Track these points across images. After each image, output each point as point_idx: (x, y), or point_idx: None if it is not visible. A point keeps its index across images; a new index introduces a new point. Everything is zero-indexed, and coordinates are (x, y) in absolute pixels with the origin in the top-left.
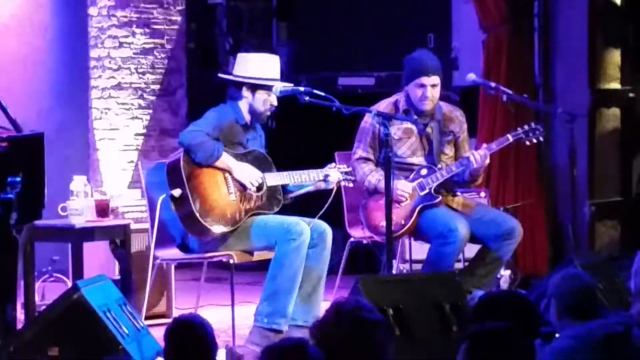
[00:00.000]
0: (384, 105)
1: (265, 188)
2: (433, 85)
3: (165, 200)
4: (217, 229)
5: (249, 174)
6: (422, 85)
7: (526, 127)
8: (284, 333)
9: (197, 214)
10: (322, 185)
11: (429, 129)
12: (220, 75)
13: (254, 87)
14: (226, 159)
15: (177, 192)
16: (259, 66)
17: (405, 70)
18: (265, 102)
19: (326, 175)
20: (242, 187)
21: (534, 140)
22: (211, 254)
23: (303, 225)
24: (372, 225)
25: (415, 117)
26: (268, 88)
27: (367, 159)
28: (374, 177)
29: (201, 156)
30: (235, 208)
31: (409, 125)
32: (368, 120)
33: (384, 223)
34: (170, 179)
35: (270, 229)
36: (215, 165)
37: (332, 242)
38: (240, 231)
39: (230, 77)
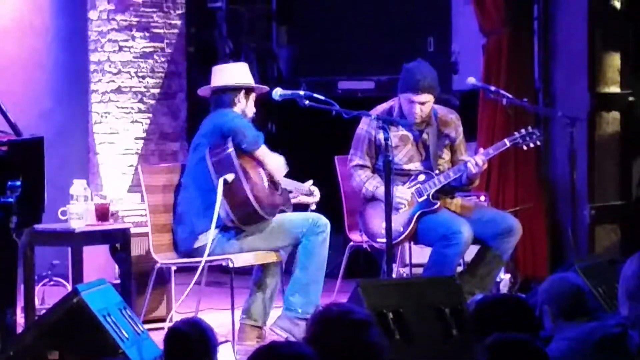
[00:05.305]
0: (379, 111)
1: (280, 189)
2: (422, 103)
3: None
4: (264, 214)
5: (280, 165)
6: (412, 102)
7: (523, 131)
8: None
9: (251, 197)
10: (304, 199)
11: (425, 135)
12: (216, 86)
13: (247, 92)
14: (264, 148)
15: (230, 177)
16: (239, 73)
17: (400, 80)
18: (253, 106)
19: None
20: (270, 180)
21: (531, 145)
22: (213, 257)
23: (325, 219)
24: (371, 232)
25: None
26: (254, 91)
27: (363, 166)
28: (372, 184)
29: (250, 139)
30: (270, 199)
31: (405, 132)
32: (364, 127)
33: (383, 230)
34: (219, 168)
35: (295, 224)
36: (253, 153)
37: (332, 246)
38: (265, 230)
39: (233, 84)
